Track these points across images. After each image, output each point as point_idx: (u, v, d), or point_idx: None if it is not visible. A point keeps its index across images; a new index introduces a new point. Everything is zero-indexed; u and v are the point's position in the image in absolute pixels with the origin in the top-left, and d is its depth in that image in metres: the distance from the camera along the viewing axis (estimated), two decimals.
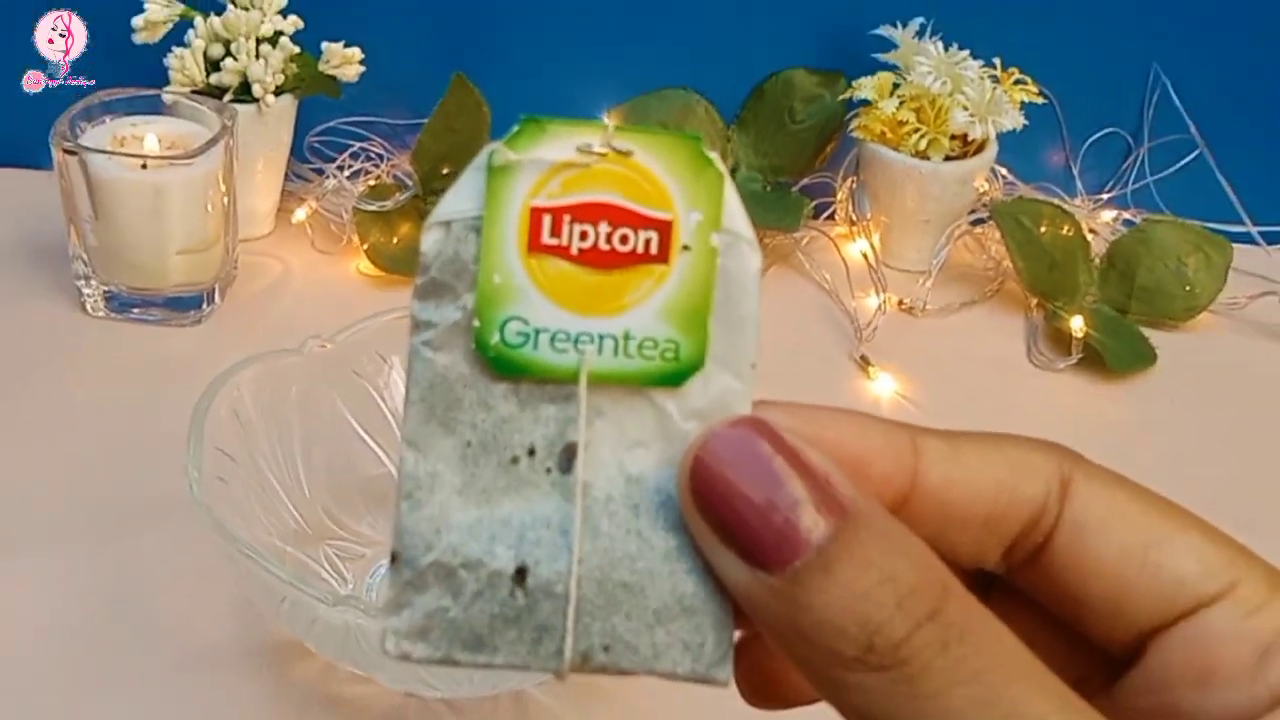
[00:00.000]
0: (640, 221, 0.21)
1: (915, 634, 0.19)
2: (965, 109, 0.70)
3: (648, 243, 0.21)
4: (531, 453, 0.22)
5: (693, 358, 0.21)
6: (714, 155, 0.22)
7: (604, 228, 0.21)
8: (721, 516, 0.20)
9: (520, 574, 0.22)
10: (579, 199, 0.21)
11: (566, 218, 0.21)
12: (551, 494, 0.22)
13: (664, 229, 0.21)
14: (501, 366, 0.21)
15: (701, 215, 0.21)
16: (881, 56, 0.74)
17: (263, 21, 0.67)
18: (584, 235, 0.21)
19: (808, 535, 0.20)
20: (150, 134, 0.64)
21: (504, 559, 0.22)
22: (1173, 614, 0.23)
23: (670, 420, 0.22)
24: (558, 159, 0.21)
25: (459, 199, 0.21)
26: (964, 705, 0.19)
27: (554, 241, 0.21)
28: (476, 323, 0.21)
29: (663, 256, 0.21)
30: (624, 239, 0.21)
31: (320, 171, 0.74)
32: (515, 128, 0.21)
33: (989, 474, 0.23)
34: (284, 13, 0.68)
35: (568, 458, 0.22)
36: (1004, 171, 0.77)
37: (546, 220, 0.21)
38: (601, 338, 0.21)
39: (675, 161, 0.21)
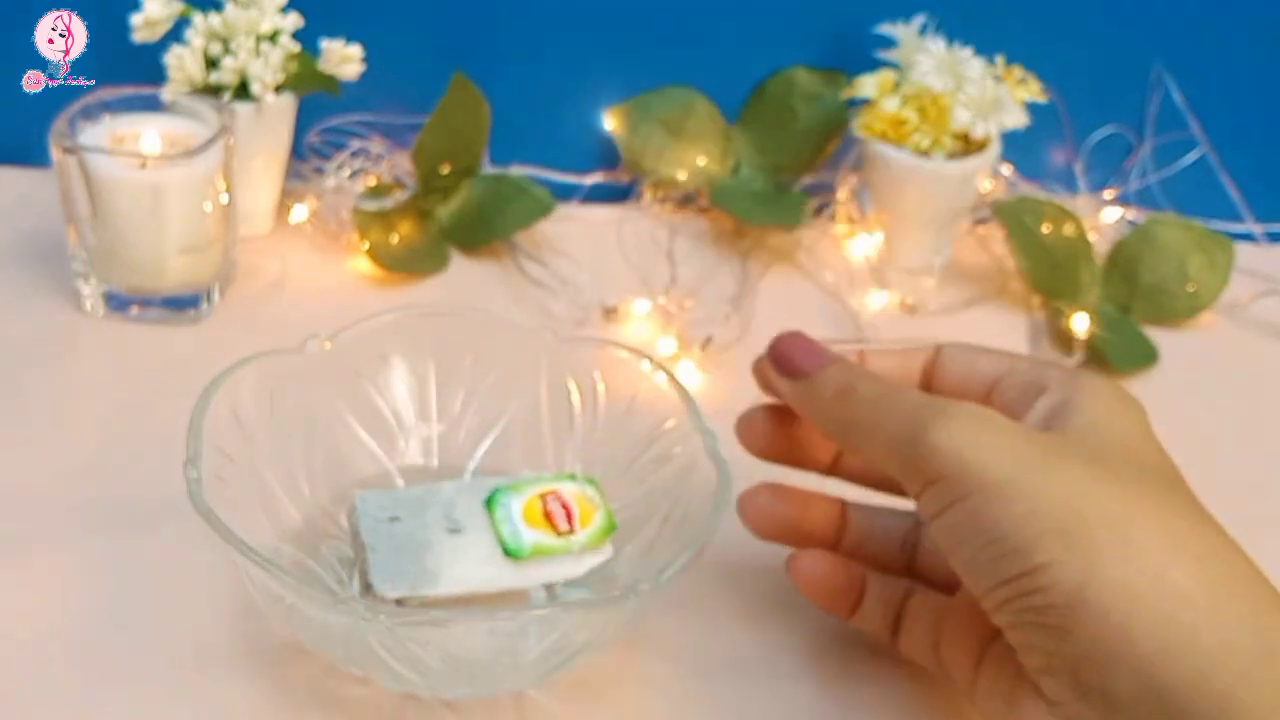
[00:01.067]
0: (570, 518, 0.48)
1: (843, 387, 0.44)
2: (967, 107, 0.70)
3: (566, 529, 0.48)
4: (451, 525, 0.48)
5: (527, 555, 0.47)
6: (614, 529, 0.48)
7: (561, 509, 0.48)
8: (778, 361, 0.46)
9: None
10: (562, 499, 0.48)
11: (554, 499, 0.48)
12: (442, 535, 0.48)
13: (574, 528, 0.48)
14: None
15: (587, 539, 0.48)
16: (883, 54, 0.74)
17: (262, 19, 0.67)
18: (550, 507, 0.48)
19: (810, 364, 0.45)
20: (149, 133, 0.64)
21: (418, 536, 0.48)
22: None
23: (498, 554, 0.47)
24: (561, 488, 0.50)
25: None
26: (860, 405, 0.43)
27: (540, 503, 0.48)
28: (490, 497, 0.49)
29: (567, 533, 0.48)
30: (563, 520, 0.48)
31: (320, 170, 0.74)
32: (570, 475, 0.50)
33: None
34: (284, 10, 0.68)
35: (455, 529, 0.48)
36: (1006, 170, 0.77)
37: (549, 495, 0.49)
38: (515, 532, 0.47)
39: (607, 515, 0.48)
